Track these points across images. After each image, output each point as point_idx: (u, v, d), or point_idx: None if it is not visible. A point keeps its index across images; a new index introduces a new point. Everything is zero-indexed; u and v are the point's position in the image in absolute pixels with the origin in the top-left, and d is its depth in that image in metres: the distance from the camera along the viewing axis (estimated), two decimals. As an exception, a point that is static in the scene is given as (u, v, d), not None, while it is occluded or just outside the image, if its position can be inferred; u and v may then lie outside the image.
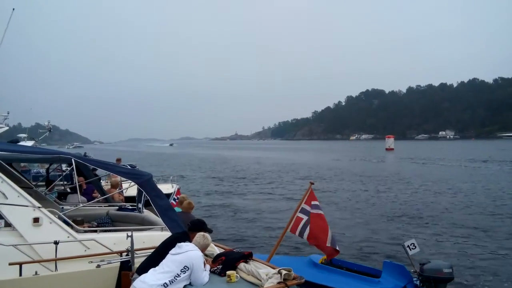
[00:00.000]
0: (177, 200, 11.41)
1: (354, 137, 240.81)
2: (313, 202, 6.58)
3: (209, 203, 20.28)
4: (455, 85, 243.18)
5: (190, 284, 4.16)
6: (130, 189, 9.98)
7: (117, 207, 8.56)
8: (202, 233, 4.71)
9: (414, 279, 7.36)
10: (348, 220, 15.79)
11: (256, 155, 75.90)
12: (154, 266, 4.25)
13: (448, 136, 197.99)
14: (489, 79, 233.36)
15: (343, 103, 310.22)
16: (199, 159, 63.85)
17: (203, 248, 4.55)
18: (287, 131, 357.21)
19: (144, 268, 4.36)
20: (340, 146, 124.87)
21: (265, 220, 16.03)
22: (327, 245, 6.48)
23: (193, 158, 67.66)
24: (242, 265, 4.50)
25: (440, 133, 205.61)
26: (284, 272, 3.98)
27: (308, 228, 6.54)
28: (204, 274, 4.22)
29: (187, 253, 4.24)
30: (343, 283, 7.28)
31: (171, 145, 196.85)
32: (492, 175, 31.18)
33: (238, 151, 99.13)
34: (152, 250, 4.86)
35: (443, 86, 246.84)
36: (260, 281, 4.08)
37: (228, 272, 4.29)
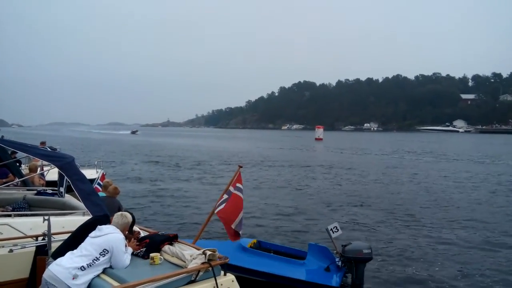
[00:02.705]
0: (102, 187, 11.02)
1: (286, 127, 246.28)
2: (237, 185, 6.70)
3: (138, 188, 19.79)
4: (380, 80, 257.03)
5: (110, 267, 4.07)
6: (52, 173, 9.46)
7: (36, 191, 8.08)
8: (120, 212, 4.62)
9: (337, 259, 7.84)
10: (277, 205, 16.24)
11: (190, 142, 75.05)
12: (72, 250, 4.09)
13: (372, 128, 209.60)
14: (411, 76, 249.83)
15: (276, 94, 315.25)
16: (131, 146, 61.72)
17: (123, 228, 4.46)
18: (220, 119, 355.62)
19: (60, 252, 4.18)
20: (273, 135, 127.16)
21: (195, 205, 16.03)
22: (232, 226, 6.61)
23: (123, 144, 65.26)
24: (166, 247, 4.48)
25: (365, 125, 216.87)
26: (208, 252, 4.02)
27: (223, 205, 6.66)
28: (125, 257, 4.13)
29: (107, 235, 4.13)
30: (271, 266, 7.56)
31: (133, 132, 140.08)
32: (414, 165, 33.60)
33: (172, 138, 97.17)
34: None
35: (369, 81, 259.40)
36: (184, 262, 4.09)
37: (151, 254, 4.25)
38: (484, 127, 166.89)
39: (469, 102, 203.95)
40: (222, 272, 4.14)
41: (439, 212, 15.05)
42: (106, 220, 4.58)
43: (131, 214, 4.79)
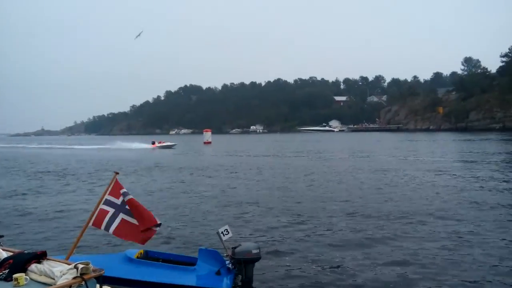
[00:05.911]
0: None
1: (174, 132, 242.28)
2: (121, 191, 6.25)
3: (1, 204, 17.67)
4: (263, 84, 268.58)
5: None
6: None
7: None
8: None
9: (227, 262, 7.94)
10: (166, 211, 15.86)
11: (68, 152, 69.41)
12: None
13: (258, 130, 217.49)
14: (290, 79, 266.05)
15: (162, 98, 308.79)
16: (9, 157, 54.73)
17: None
18: (103, 125, 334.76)
19: None
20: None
21: (68, 218, 14.82)
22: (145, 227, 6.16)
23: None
24: (33, 266, 4.10)
25: (251, 127, 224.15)
26: (81, 266, 3.78)
27: (116, 220, 6.19)
28: None
29: None
30: (160, 275, 7.36)
31: (172, 146, 78.86)
32: (301, 164, 35.59)
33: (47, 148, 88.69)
34: None
35: (253, 84, 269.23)
36: (54, 279, 3.78)
37: (15, 275, 3.85)
38: (355, 126, 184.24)
39: (341, 104, 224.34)
40: (98, 286, 3.93)
41: (328, 209, 15.41)
42: None
43: None
